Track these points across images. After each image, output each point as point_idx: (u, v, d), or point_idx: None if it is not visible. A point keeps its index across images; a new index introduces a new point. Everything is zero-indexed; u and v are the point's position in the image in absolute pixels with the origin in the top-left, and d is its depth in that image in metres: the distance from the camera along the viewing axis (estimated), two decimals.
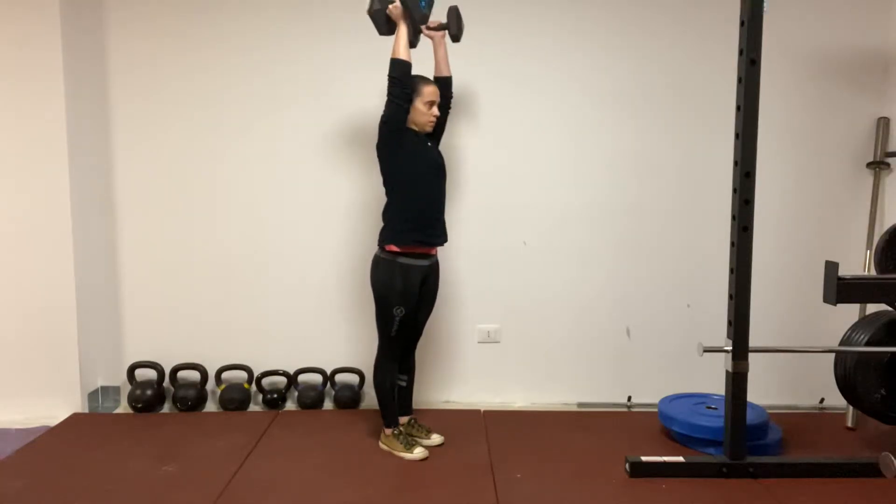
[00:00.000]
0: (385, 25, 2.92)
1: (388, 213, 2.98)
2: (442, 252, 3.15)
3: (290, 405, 3.67)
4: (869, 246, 3.48)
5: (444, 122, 3.09)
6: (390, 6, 2.87)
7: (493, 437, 3.24)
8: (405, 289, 2.92)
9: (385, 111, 2.88)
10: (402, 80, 2.83)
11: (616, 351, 3.70)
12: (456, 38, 3.05)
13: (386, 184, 2.98)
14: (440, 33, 3.03)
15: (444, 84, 3.04)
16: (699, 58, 3.54)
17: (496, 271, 3.66)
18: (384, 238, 2.96)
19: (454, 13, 3.03)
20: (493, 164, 3.57)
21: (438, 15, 3.02)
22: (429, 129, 2.98)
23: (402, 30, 2.85)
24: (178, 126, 3.58)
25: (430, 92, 2.92)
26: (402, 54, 2.83)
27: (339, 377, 3.66)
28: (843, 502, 2.64)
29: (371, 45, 3.49)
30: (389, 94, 2.85)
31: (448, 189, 3.08)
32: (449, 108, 3.10)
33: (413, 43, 2.94)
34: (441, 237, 3.04)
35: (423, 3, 2.94)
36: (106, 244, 3.64)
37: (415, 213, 2.93)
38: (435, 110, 2.95)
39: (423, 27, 2.98)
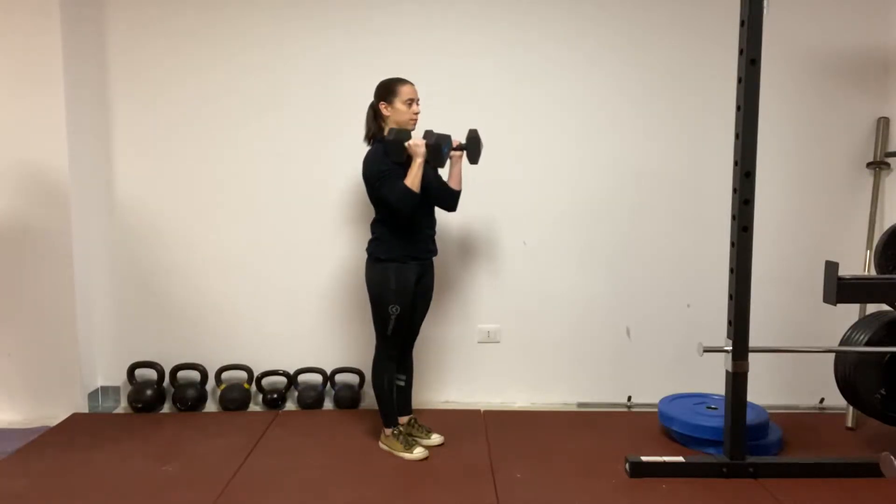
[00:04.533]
0: (402, 155, 2.83)
1: (377, 229, 2.97)
2: (442, 252, 3.15)
3: (290, 405, 3.67)
4: (869, 246, 3.48)
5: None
6: (411, 143, 2.81)
7: (493, 437, 3.24)
8: (400, 287, 2.92)
9: (383, 194, 2.83)
10: (403, 209, 2.81)
11: (616, 351, 3.70)
12: (473, 161, 3.01)
13: (375, 205, 2.96)
14: (458, 153, 2.99)
15: (453, 197, 3.03)
16: (699, 58, 3.53)
17: (496, 271, 3.66)
18: (374, 249, 2.96)
19: (475, 138, 2.98)
20: (493, 164, 3.56)
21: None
22: (411, 126, 2.92)
23: (419, 165, 2.80)
24: (178, 126, 3.58)
25: (407, 91, 2.89)
26: (415, 187, 2.79)
27: (338, 377, 3.66)
28: (843, 502, 2.64)
29: (371, 42, 3.52)
30: (393, 207, 2.82)
31: None
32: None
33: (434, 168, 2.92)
34: (431, 251, 3.06)
35: (445, 150, 2.88)
36: (106, 244, 3.64)
37: (405, 233, 2.93)
38: (415, 107, 2.91)
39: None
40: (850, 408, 3.31)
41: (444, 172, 3.03)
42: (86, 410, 3.54)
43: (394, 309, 2.93)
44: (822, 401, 3.66)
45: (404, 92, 2.88)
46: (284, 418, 3.48)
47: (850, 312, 3.31)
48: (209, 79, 3.56)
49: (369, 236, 3.01)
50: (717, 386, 3.16)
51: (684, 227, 3.63)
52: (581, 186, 3.61)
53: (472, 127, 3.02)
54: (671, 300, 3.66)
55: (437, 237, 3.10)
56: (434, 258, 3.10)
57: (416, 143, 2.81)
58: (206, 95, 3.57)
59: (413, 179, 2.79)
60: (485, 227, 3.64)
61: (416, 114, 2.92)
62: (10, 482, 2.77)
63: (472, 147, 2.99)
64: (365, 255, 3.01)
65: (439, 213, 3.08)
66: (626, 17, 3.53)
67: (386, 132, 2.89)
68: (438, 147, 2.84)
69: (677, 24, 3.53)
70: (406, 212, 2.83)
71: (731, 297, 2.80)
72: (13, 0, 3.32)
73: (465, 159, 3.02)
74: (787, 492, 2.70)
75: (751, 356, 2.79)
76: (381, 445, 3.10)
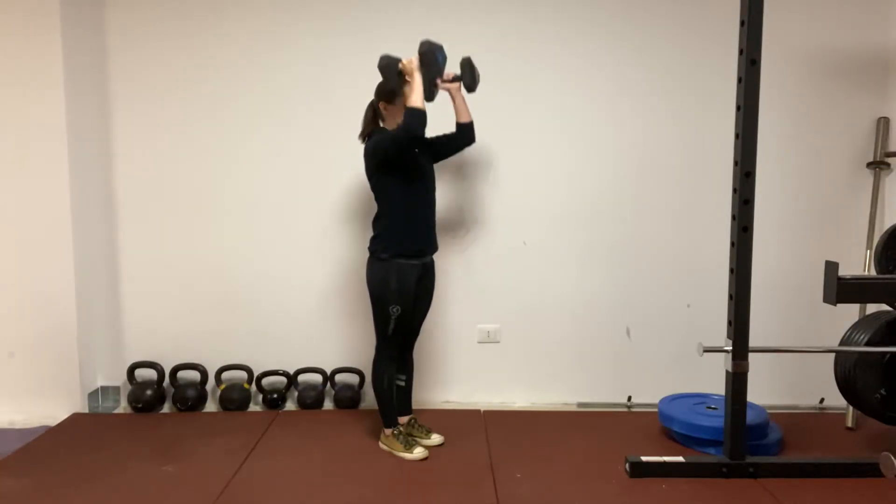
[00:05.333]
0: (396, 78, 2.82)
1: (379, 225, 2.98)
2: (442, 252, 3.15)
3: (290, 405, 3.67)
4: (869, 246, 3.48)
5: (454, 151, 3.09)
6: (404, 61, 2.80)
7: (493, 437, 3.24)
8: (401, 287, 2.93)
9: (383, 144, 2.83)
10: (415, 130, 2.77)
11: (616, 351, 3.70)
12: (470, 88, 3.00)
13: (377, 197, 2.97)
14: (455, 84, 2.98)
15: (467, 129, 3.03)
16: (699, 58, 3.53)
17: (496, 271, 3.66)
18: (376, 247, 2.96)
19: (468, 64, 2.97)
20: (493, 164, 3.57)
21: (451, 65, 2.95)
22: None
23: (418, 81, 2.78)
24: (179, 127, 3.59)
25: None
26: (419, 103, 2.76)
27: (338, 377, 3.66)
28: (842, 502, 2.64)
29: (370, 43, 3.51)
30: (396, 138, 2.79)
31: (448, 188, 3.08)
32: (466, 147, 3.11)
33: (431, 96, 2.83)
34: (432, 248, 3.07)
35: (441, 58, 2.84)
36: (106, 244, 3.64)
37: (407, 228, 2.94)
38: None
39: (438, 80, 2.86)
40: (850, 408, 3.31)
41: (441, 128, 3.00)
42: (86, 410, 3.54)
43: (395, 309, 2.93)
44: (822, 401, 3.66)
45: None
46: (284, 418, 3.48)
47: (850, 312, 3.31)
48: (209, 78, 3.56)
49: (370, 234, 3.01)
50: (717, 386, 3.17)
51: (684, 227, 3.62)
52: (581, 186, 3.61)
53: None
54: (671, 300, 3.66)
55: (437, 238, 3.09)
56: (435, 258, 3.10)
57: (409, 59, 2.80)
58: (206, 95, 3.57)
59: (416, 96, 2.76)
60: (485, 227, 3.64)
61: None
62: (10, 482, 2.77)
63: (467, 73, 2.96)
64: (366, 254, 3.02)
65: (439, 213, 3.07)
66: (627, 16, 3.53)
67: (382, 125, 2.92)
68: (433, 54, 2.78)
69: (677, 24, 3.53)
70: (419, 132, 2.77)
71: (731, 297, 2.80)
72: (13, 0, 3.32)
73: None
74: (787, 492, 2.70)
75: (751, 356, 2.79)
76: (381, 445, 3.10)
